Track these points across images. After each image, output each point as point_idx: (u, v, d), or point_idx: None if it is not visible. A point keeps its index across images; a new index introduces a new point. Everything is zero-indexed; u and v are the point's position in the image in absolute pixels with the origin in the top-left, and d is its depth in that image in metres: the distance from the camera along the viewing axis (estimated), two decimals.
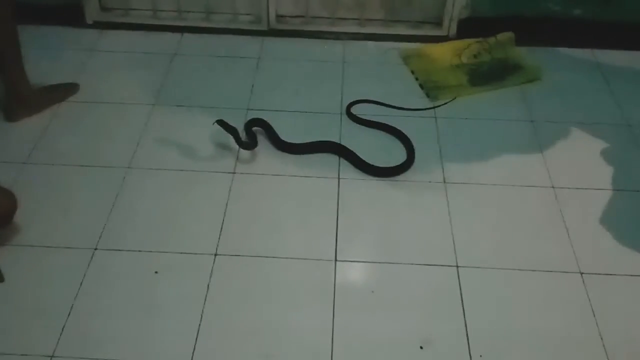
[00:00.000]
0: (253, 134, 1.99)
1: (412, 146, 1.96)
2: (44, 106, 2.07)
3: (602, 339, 1.47)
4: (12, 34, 1.89)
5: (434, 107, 2.15)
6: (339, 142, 1.98)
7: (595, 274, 1.61)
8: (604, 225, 1.75)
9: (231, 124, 1.90)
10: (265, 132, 2.02)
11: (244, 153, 1.94)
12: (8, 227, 1.63)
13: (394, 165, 1.91)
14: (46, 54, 2.32)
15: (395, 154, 1.96)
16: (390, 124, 2.05)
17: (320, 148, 1.96)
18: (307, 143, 1.96)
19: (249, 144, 1.94)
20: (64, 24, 2.47)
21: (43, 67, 2.19)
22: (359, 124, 2.08)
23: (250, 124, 2.02)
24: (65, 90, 2.14)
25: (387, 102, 2.16)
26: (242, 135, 1.98)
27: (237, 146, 1.92)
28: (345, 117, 2.10)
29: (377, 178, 1.88)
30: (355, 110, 2.12)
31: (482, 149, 1.99)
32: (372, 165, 1.89)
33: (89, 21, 2.48)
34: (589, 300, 1.55)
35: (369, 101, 2.16)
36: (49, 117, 2.05)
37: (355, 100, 2.15)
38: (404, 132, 2.02)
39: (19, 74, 1.96)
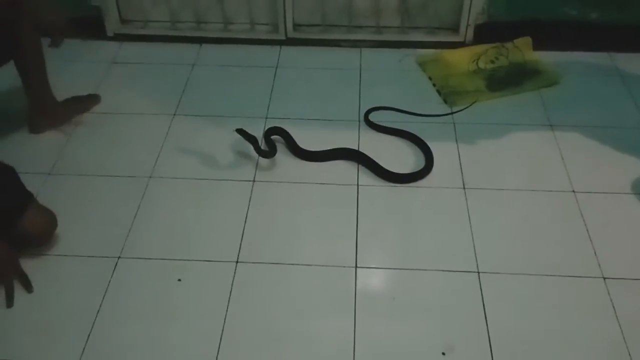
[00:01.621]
0: (272, 142, 2.00)
1: (431, 152, 1.96)
2: (66, 118, 2.10)
3: (626, 344, 1.45)
4: (36, 47, 1.92)
5: (452, 113, 2.15)
6: (357, 149, 1.99)
7: (619, 278, 1.60)
8: (626, 230, 1.74)
9: (250, 132, 1.92)
10: (284, 140, 2.03)
11: (264, 161, 1.96)
12: (47, 245, 1.67)
13: (413, 171, 1.91)
14: (68, 66, 2.36)
15: (413, 160, 1.97)
16: (408, 130, 2.06)
17: (339, 155, 1.97)
18: (325, 150, 1.97)
19: (268, 152, 1.95)
20: (84, 36, 2.51)
21: (64, 79, 2.22)
22: (377, 130, 2.09)
23: (269, 132, 2.04)
24: (87, 102, 2.17)
25: (404, 109, 2.16)
26: (262, 143, 2.00)
27: (256, 154, 1.94)
28: (363, 124, 2.11)
29: (396, 184, 1.88)
30: (373, 117, 2.13)
31: (501, 154, 1.99)
32: (391, 171, 1.90)
33: (110, 33, 2.52)
34: (613, 305, 1.54)
35: (387, 108, 2.17)
36: (71, 128, 2.09)
37: (373, 107, 2.16)
38: (422, 138, 2.02)
39: (42, 86, 1.99)
